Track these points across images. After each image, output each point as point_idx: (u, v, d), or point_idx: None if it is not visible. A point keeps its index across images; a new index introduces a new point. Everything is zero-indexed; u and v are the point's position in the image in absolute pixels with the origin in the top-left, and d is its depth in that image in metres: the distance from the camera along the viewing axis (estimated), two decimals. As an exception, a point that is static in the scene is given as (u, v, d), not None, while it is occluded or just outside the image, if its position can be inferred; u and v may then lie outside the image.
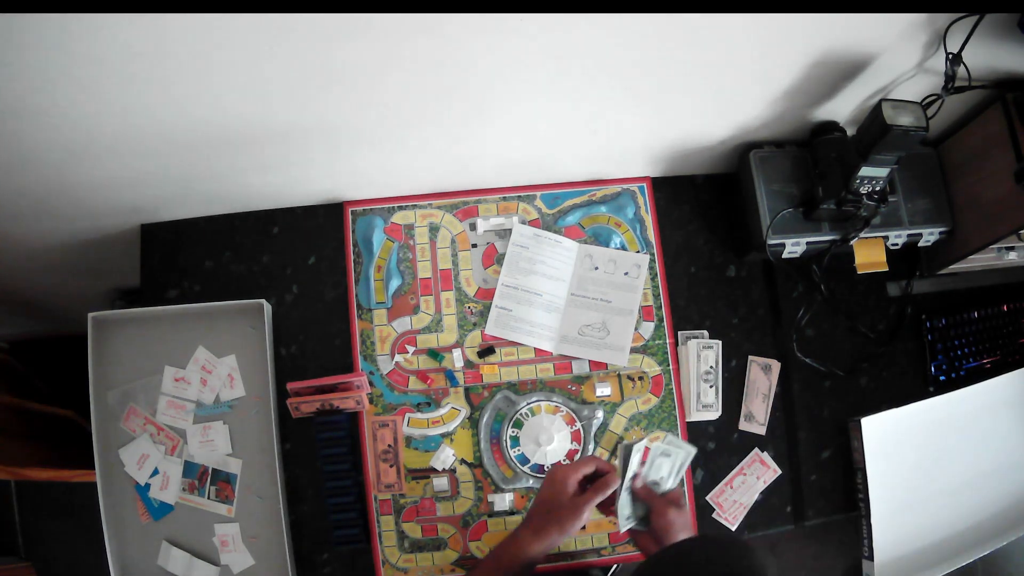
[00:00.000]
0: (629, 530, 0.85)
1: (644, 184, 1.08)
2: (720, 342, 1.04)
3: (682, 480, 0.88)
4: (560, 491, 0.80)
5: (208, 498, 0.97)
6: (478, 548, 0.98)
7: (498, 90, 0.79)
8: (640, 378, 1.02)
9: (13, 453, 1.29)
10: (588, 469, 0.82)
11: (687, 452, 0.84)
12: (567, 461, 0.99)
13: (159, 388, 0.98)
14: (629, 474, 0.82)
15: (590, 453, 0.99)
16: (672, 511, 0.81)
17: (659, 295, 1.04)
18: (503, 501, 0.98)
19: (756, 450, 1.03)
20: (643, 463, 0.84)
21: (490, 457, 0.99)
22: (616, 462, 0.85)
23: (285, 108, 0.77)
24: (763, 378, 1.05)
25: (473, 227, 1.05)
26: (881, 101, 0.80)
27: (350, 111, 0.79)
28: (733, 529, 1.01)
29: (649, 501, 0.83)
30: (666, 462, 0.84)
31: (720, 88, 0.85)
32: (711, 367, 1.03)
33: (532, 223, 1.05)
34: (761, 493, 1.02)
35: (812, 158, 0.96)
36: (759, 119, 0.94)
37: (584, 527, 0.98)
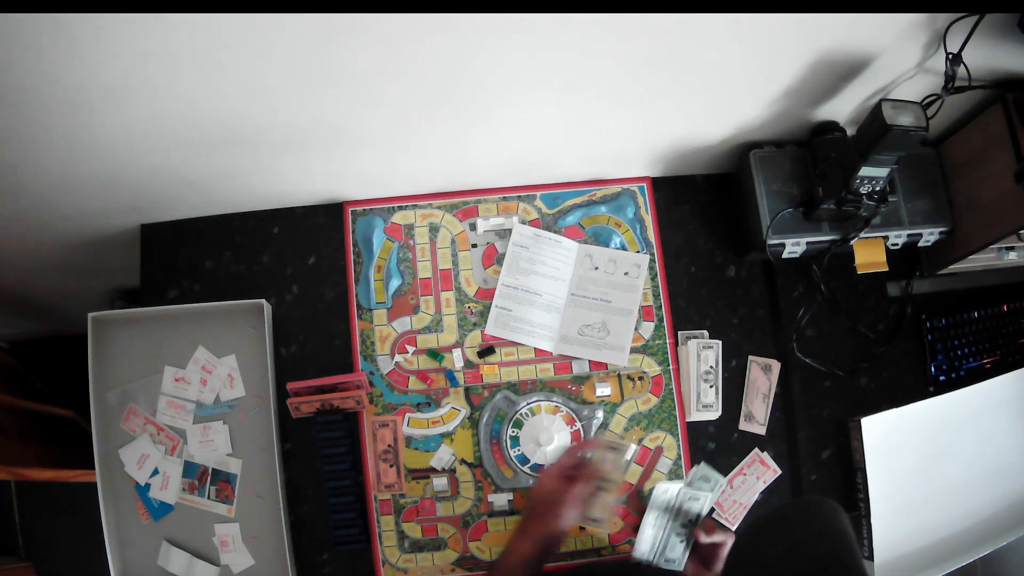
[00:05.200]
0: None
1: (644, 184, 1.08)
2: (720, 342, 1.04)
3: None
4: (546, 491, 0.85)
5: (208, 498, 0.97)
6: (478, 548, 0.98)
7: (498, 91, 0.79)
8: (640, 378, 1.02)
9: (13, 453, 1.29)
10: (567, 462, 0.88)
11: (716, 481, 0.92)
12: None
13: (159, 388, 0.98)
14: (669, 503, 0.93)
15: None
16: (718, 535, 0.90)
17: (659, 295, 1.04)
18: (503, 501, 0.98)
19: (756, 450, 1.03)
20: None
21: (490, 457, 0.99)
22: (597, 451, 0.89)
23: (287, 108, 0.77)
24: (763, 378, 1.05)
25: (473, 227, 1.05)
26: (881, 101, 0.80)
27: (351, 111, 0.79)
28: (732, 529, 1.01)
29: (696, 537, 0.91)
30: (709, 496, 0.92)
31: (720, 88, 0.85)
32: (711, 367, 1.03)
33: (532, 223, 1.05)
34: (761, 493, 1.02)
35: (812, 158, 0.96)
36: (759, 119, 0.94)
37: (583, 527, 0.99)
